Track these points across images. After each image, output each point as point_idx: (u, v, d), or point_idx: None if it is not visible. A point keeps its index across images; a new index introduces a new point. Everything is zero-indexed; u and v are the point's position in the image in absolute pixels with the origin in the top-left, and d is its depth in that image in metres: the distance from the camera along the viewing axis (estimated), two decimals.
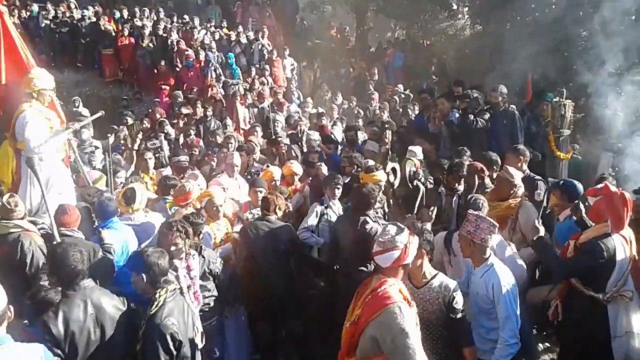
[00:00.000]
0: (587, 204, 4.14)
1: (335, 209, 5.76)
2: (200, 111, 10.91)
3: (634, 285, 4.00)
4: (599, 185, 4.24)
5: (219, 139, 8.89)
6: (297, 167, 6.84)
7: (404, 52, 16.23)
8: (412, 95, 12.41)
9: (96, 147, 7.62)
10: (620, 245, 3.95)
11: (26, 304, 3.71)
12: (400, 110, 10.96)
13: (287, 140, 8.73)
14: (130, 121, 10.62)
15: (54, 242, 4.16)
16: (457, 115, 7.74)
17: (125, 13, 15.94)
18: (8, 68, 5.76)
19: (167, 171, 7.07)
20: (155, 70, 13.80)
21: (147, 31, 14.22)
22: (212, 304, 4.66)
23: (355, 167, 6.62)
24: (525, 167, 5.89)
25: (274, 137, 8.91)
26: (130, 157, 7.67)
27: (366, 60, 16.64)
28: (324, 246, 5.57)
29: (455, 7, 17.04)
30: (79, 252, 3.44)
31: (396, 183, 6.32)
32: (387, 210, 6.06)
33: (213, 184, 6.44)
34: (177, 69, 13.59)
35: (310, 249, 5.78)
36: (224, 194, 5.84)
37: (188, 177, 6.64)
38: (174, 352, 3.39)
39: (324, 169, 6.84)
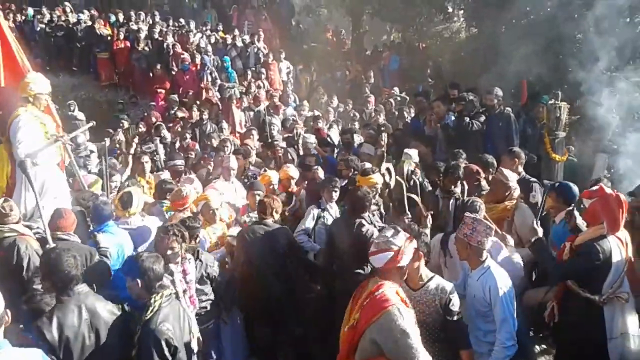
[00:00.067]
0: (582, 206, 4.15)
1: (332, 212, 5.76)
2: (196, 114, 10.90)
3: (630, 287, 4.01)
4: (594, 188, 4.25)
5: (214, 142, 8.88)
6: (293, 171, 6.84)
7: (400, 55, 16.24)
8: (408, 98, 12.42)
9: (91, 151, 7.61)
10: (616, 247, 3.96)
11: (22, 309, 3.69)
12: (396, 113, 10.97)
13: (283, 144, 8.73)
14: (126, 125, 10.61)
15: (47, 248, 4.14)
16: (453, 118, 7.75)
17: (121, 17, 15.91)
18: (4, 72, 5.75)
19: (166, 174, 7.05)
20: (151, 74, 13.80)
21: (142, 35, 14.21)
22: (208, 307, 4.66)
23: (352, 170, 6.62)
24: (521, 169, 5.91)
25: (270, 140, 8.91)
26: (125, 161, 7.65)
27: (362, 63, 16.64)
28: (320, 251, 5.57)
29: (450, 10, 17.06)
30: (73, 257, 3.43)
31: (392, 183, 6.32)
32: (383, 212, 6.06)
33: (209, 188, 6.43)
34: (173, 73, 13.56)
35: (306, 252, 5.78)
36: (221, 198, 5.83)
37: (184, 181, 6.63)
38: (169, 358, 3.37)
39: (321, 173, 6.84)
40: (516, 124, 7.42)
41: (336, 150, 8.77)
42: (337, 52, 18.16)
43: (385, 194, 6.27)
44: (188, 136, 9.56)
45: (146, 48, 14.05)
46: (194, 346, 3.69)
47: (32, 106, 5.52)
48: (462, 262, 4.01)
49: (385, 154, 7.43)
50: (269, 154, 8.27)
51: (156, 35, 14.39)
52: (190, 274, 4.41)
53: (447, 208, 5.43)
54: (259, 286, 4.94)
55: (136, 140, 8.59)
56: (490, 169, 5.78)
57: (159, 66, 13.49)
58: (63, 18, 15.52)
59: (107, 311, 3.46)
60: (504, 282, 3.65)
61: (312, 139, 8.53)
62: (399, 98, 12.78)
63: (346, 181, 6.41)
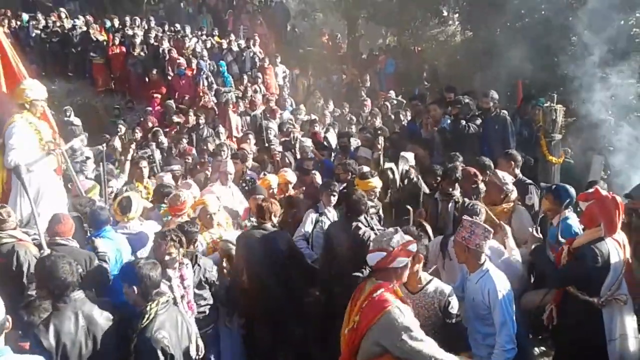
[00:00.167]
0: (578, 209, 4.16)
1: (330, 216, 5.76)
2: (192, 119, 10.90)
3: (628, 288, 4.01)
4: (590, 190, 4.26)
5: (211, 147, 8.88)
6: (290, 176, 6.84)
7: (396, 59, 16.30)
8: (404, 102, 12.45)
9: (87, 157, 7.58)
10: (614, 249, 3.97)
11: (21, 314, 3.67)
12: (392, 116, 10.99)
13: (279, 148, 8.74)
14: (123, 130, 10.60)
15: (42, 255, 4.12)
16: (449, 121, 7.77)
17: (116, 22, 15.91)
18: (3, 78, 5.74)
19: (167, 177, 7.03)
20: (147, 79, 13.79)
21: (138, 40, 14.20)
22: (207, 312, 4.64)
23: (350, 173, 6.63)
24: (517, 171, 5.92)
25: (267, 144, 8.91)
26: (122, 167, 7.63)
27: (358, 67, 16.68)
28: (318, 255, 5.57)
29: (445, 13, 17.14)
30: (68, 264, 3.41)
31: (397, 180, 6.35)
32: (382, 216, 6.06)
33: (206, 192, 6.42)
34: (169, 78, 13.58)
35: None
36: (218, 202, 5.83)
37: (181, 186, 6.62)
38: None
39: (318, 178, 6.84)
40: (512, 127, 7.44)
41: (333, 154, 8.78)
42: (333, 56, 18.20)
43: (384, 198, 6.30)
44: (185, 141, 9.56)
45: (142, 53, 14.05)
46: (193, 353, 3.67)
47: (28, 113, 5.51)
48: (461, 265, 4.02)
49: (381, 158, 7.45)
50: (266, 158, 8.27)
51: (152, 41, 14.40)
52: (187, 279, 4.40)
53: (446, 211, 5.43)
54: (259, 290, 4.93)
55: (133, 146, 8.57)
56: (488, 172, 5.78)
57: (154, 71, 13.49)
58: (58, 24, 15.48)
59: (104, 317, 3.45)
60: (502, 285, 3.65)
61: (308, 142, 8.54)
62: (395, 101, 12.81)
63: (344, 185, 6.41)
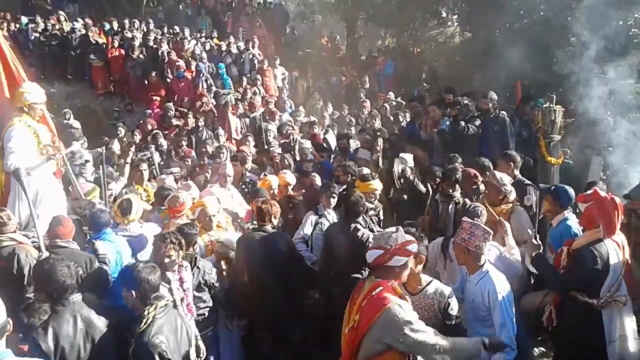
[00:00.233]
0: (577, 210, 4.16)
1: (330, 218, 5.76)
2: (191, 122, 10.89)
3: (627, 290, 4.01)
4: (588, 192, 4.26)
5: (210, 149, 8.88)
6: (290, 177, 6.83)
7: (395, 60, 16.30)
8: (403, 103, 12.45)
9: (87, 161, 7.58)
10: (613, 250, 3.97)
11: (21, 317, 3.67)
12: (391, 118, 10.99)
13: (279, 150, 8.74)
14: (123, 132, 10.61)
15: (40, 258, 4.12)
16: (448, 122, 7.77)
17: (115, 25, 15.91)
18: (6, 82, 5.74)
19: (170, 180, 7.03)
20: (146, 82, 13.79)
21: (137, 42, 14.21)
22: (206, 314, 4.64)
23: (350, 175, 6.63)
24: (517, 172, 5.92)
25: (266, 146, 8.91)
26: (122, 169, 7.63)
27: (357, 68, 16.67)
28: (317, 257, 5.57)
29: (444, 14, 17.15)
30: (67, 267, 3.41)
31: (395, 173, 6.38)
32: (382, 217, 6.06)
33: (205, 193, 6.41)
34: (168, 80, 13.56)
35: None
36: (218, 204, 5.83)
37: (181, 187, 6.61)
38: None
39: (318, 180, 6.84)
40: (511, 128, 7.44)
41: (332, 156, 8.78)
42: (332, 57, 18.20)
43: (384, 200, 6.31)
44: (184, 143, 9.56)
45: (141, 56, 14.05)
46: (193, 357, 3.66)
47: (27, 116, 5.51)
48: (461, 266, 4.01)
49: (380, 159, 7.46)
50: (265, 160, 8.27)
51: (151, 43, 14.39)
52: (187, 281, 4.40)
53: (447, 212, 5.43)
54: (259, 291, 4.92)
55: (133, 148, 8.57)
56: (487, 172, 5.79)
57: (154, 74, 13.48)
58: (57, 27, 15.51)
59: (103, 321, 3.45)
60: (502, 287, 3.65)
61: (308, 144, 8.54)
62: (394, 103, 12.81)
63: (344, 187, 6.41)
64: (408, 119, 10.10)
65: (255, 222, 5.68)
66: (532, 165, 7.04)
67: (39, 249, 4.51)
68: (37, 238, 4.55)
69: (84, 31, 14.91)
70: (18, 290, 4.20)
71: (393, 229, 3.34)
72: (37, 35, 15.01)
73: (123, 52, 14.11)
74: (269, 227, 5.12)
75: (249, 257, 4.98)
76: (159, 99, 13.03)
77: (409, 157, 6.88)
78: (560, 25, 10.14)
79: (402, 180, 6.48)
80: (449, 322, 3.57)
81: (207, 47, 15.14)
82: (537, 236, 4.45)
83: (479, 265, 3.74)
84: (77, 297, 3.43)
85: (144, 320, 3.35)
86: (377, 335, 3.06)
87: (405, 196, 6.50)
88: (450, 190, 5.52)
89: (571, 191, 4.71)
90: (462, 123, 7.53)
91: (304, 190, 6.86)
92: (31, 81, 5.89)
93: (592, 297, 3.93)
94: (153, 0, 20.46)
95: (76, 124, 11.26)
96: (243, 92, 13.13)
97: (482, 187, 5.59)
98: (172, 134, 10.72)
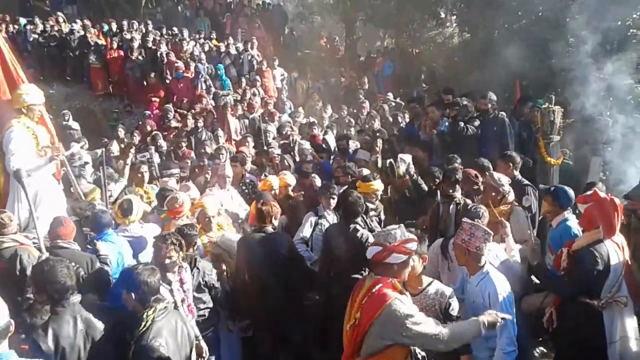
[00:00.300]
0: (577, 211, 4.16)
1: (330, 219, 5.76)
2: (191, 123, 10.89)
3: (628, 290, 4.01)
4: (588, 192, 4.26)
5: (209, 150, 8.88)
6: (290, 178, 6.83)
7: (393, 61, 16.31)
8: (402, 104, 12.46)
9: (86, 163, 7.57)
10: (613, 251, 3.97)
11: (24, 317, 3.66)
12: (390, 118, 11.00)
13: (278, 151, 8.74)
14: (122, 133, 10.60)
15: (39, 260, 4.11)
16: (447, 123, 7.77)
17: (114, 26, 15.90)
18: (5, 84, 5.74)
19: (172, 182, 7.03)
20: (145, 83, 13.76)
21: (136, 44, 14.18)
22: (207, 315, 4.63)
23: (349, 176, 6.63)
24: (516, 173, 5.92)
25: (265, 147, 8.91)
26: (122, 170, 7.62)
27: (356, 69, 16.70)
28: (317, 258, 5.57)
29: (443, 15, 17.19)
30: (66, 268, 3.41)
31: (401, 171, 6.37)
32: (383, 218, 6.06)
33: (205, 195, 6.41)
34: (167, 81, 13.55)
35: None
36: (220, 207, 5.83)
37: (180, 188, 6.61)
38: None
39: (317, 181, 6.83)
40: (511, 128, 7.44)
41: (332, 157, 8.78)
42: (331, 58, 18.22)
43: (385, 200, 6.31)
44: (183, 144, 9.55)
45: (140, 57, 14.03)
46: (193, 358, 3.65)
47: (26, 117, 5.51)
48: (461, 267, 4.01)
49: (379, 160, 7.46)
50: (264, 161, 8.27)
51: (150, 44, 14.38)
52: (187, 282, 4.39)
53: (447, 213, 5.43)
54: (259, 291, 4.92)
55: (132, 150, 8.56)
56: (487, 173, 5.79)
57: (153, 75, 13.47)
58: (56, 28, 15.48)
59: (103, 321, 3.44)
60: (503, 288, 3.65)
61: (307, 145, 8.54)
62: (393, 104, 12.83)
63: (344, 188, 6.41)
64: (407, 120, 10.11)
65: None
66: (532, 165, 7.04)
67: (39, 249, 4.52)
68: (37, 239, 4.55)
69: (82, 32, 14.89)
70: (20, 291, 4.18)
71: (395, 226, 3.34)
72: (36, 36, 14.98)
73: (122, 53, 14.08)
74: (269, 228, 5.12)
75: (249, 257, 4.98)
76: (158, 100, 13.02)
77: (408, 158, 6.88)
78: (558, 26, 10.16)
79: (406, 177, 6.48)
80: (449, 323, 3.56)
81: (206, 48, 15.14)
82: (535, 230, 4.45)
83: (479, 266, 3.73)
84: (77, 298, 3.42)
85: (143, 324, 3.34)
86: (379, 332, 3.08)
87: (408, 194, 6.50)
88: (451, 191, 5.52)
89: (571, 192, 4.71)
90: (461, 124, 7.53)
91: (303, 192, 6.85)
92: (30, 82, 5.89)
93: (592, 298, 3.93)
94: (152, 2, 20.45)
95: (75, 125, 11.25)
96: (242, 93, 13.12)
97: (482, 187, 5.60)
98: (171, 135, 10.71)
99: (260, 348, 5.18)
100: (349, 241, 4.83)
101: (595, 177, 7.01)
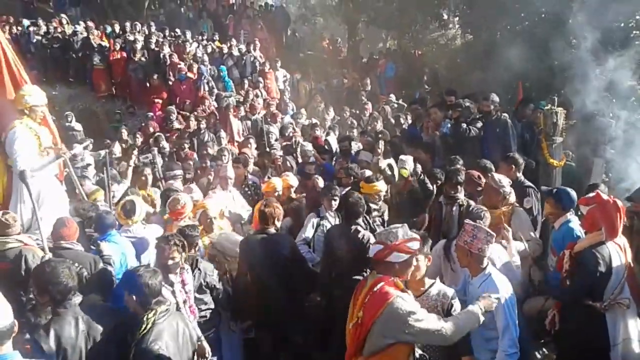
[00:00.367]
0: (579, 213, 4.15)
1: (332, 220, 5.76)
2: (193, 124, 10.90)
3: (630, 292, 4.00)
4: (590, 194, 4.25)
5: (211, 151, 8.89)
6: (292, 180, 6.83)
7: (396, 63, 16.31)
8: (405, 105, 12.46)
9: (88, 164, 7.59)
10: (616, 253, 3.96)
11: (28, 316, 3.66)
12: (393, 120, 11.00)
13: (280, 152, 8.74)
14: (125, 135, 10.62)
15: (41, 261, 4.12)
16: (449, 125, 7.77)
17: (117, 28, 15.95)
18: (4, 84, 5.76)
19: (178, 183, 7.02)
20: (148, 84, 13.80)
21: (139, 45, 14.22)
22: (208, 316, 4.63)
23: (352, 178, 6.63)
24: (519, 175, 5.91)
25: (267, 148, 8.91)
26: (125, 172, 7.64)
27: (358, 71, 16.70)
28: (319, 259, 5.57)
29: (445, 17, 17.20)
30: (68, 268, 3.42)
31: (396, 176, 6.36)
32: (386, 219, 6.05)
33: (206, 197, 6.42)
34: (170, 83, 13.58)
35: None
36: (220, 207, 5.83)
37: (183, 190, 6.62)
38: None
39: (320, 182, 6.84)
40: (513, 130, 7.43)
41: (334, 158, 8.78)
42: (333, 60, 18.24)
43: (388, 200, 6.30)
44: (186, 146, 9.57)
45: (143, 58, 14.07)
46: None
47: (28, 118, 5.52)
48: (464, 269, 4.01)
49: (380, 161, 7.46)
50: (267, 163, 8.27)
51: (152, 46, 14.42)
52: (188, 283, 4.39)
53: (450, 214, 5.43)
54: (261, 292, 4.93)
55: (135, 152, 8.57)
56: (490, 174, 5.78)
57: (155, 76, 13.51)
58: (59, 30, 15.55)
59: (104, 322, 3.44)
60: (505, 289, 3.64)
61: (309, 147, 8.54)
62: (395, 105, 12.82)
63: (347, 189, 6.41)
64: (409, 122, 10.11)
65: None
66: (534, 167, 7.03)
67: (43, 250, 4.53)
68: (40, 240, 4.56)
69: (85, 34, 14.94)
70: (25, 291, 4.17)
71: (398, 225, 3.35)
72: (39, 38, 15.03)
73: (125, 54, 14.13)
74: (271, 230, 5.12)
75: (251, 258, 4.98)
76: (160, 101, 13.04)
77: (408, 159, 6.88)
78: (561, 27, 10.15)
79: (412, 178, 6.48)
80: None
81: (209, 50, 15.17)
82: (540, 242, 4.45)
83: (482, 268, 3.72)
84: (78, 298, 3.43)
85: (143, 326, 3.34)
86: (382, 331, 3.08)
87: (409, 195, 6.50)
88: (453, 192, 5.52)
89: (573, 194, 4.69)
90: (464, 125, 7.52)
91: (305, 194, 6.86)
92: (33, 84, 5.91)
93: (594, 300, 3.92)
94: (154, 3, 20.53)
95: (78, 126, 11.29)
96: (245, 94, 13.13)
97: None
98: (173, 137, 10.73)
99: (261, 349, 5.18)
100: (350, 242, 4.83)
101: (597, 179, 6.99)
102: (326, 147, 9.41)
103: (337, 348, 3.41)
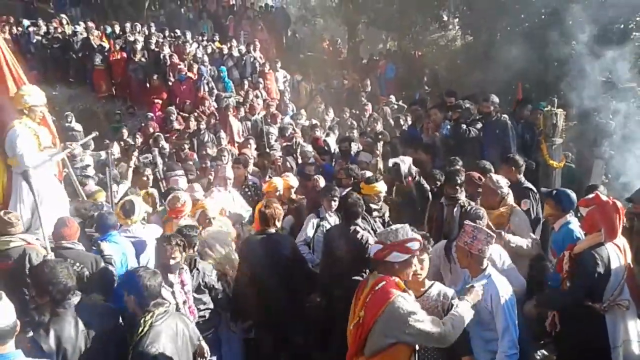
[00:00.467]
0: (579, 214, 4.14)
1: (332, 221, 5.76)
2: (193, 124, 10.90)
3: (630, 293, 4.00)
4: (590, 196, 4.25)
5: (210, 151, 8.89)
6: (292, 180, 6.83)
7: (396, 64, 16.30)
8: (405, 106, 12.45)
9: (87, 165, 7.59)
10: (615, 254, 3.96)
11: (32, 315, 3.66)
12: (391, 120, 11.00)
13: (279, 153, 8.73)
14: (126, 135, 10.62)
15: (40, 261, 4.12)
16: (449, 126, 7.77)
17: (117, 28, 15.96)
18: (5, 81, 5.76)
19: (183, 180, 7.01)
20: (148, 85, 13.80)
21: (139, 46, 14.22)
22: (207, 316, 4.63)
23: (352, 179, 6.63)
24: (519, 176, 5.91)
25: (267, 149, 8.91)
26: (125, 173, 7.63)
27: (358, 72, 16.70)
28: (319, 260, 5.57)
29: (445, 18, 17.19)
30: (66, 268, 3.43)
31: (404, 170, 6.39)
32: (387, 220, 6.05)
33: (206, 198, 6.40)
34: (170, 83, 13.58)
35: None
36: (220, 207, 5.82)
37: (186, 189, 6.61)
38: None
39: (321, 181, 6.83)
40: (513, 131, 7.43)
41: (333, 159, 8.78)
42: (333, 61, 18.25)
43: (389, 201, 6.30)
44: (186, 146, 9.57)
45: (143, 59, 14.06)
46: None
47: (27, 118, 5.53)
48: (464, 270, 4.00)
49: (379, 162, 7.47)
50: (266, 163, 8.27)
51: (153, 46, 14.41)
52: (187, 284, 4.39)
53: (452, 215, 5.43)
54: (261, 293, 4.92)
55: (136, 153, 8.57)
56: (488, 175, 5.78)
57: (155, 77, 13.50)
58: (59, 30, 15.55)
59: (104, 322, 3.45)
60: (505, 290, 3.64)
61: (309, 147, 8.54)
62: (395, 106, 12.82)
63: (347, 190, 6.40)
64: (409, 123, 10.10)
65: None
66: (534, 168, 7.03)
67: (45, 249, 4.54)
68: (42, 239, 4.58)
69: (85, 34, 14.93)
70: (29, 290, 4.20)
71: (400, 225, 3.35)
72: (39, 38, 15.03)
73: (125, 55, 14.13)
74: (272, 230, 5.11)
75: (251, 258, 4.98)
76: (160, 102, 13.04)
77: (407, 160, 6.88)
78: (561, 28, 10.14)
79: (408, 179, 6.48)
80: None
81: (209, 51, 15.17)
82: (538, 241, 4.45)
83: (482, 269, 3.72)
84: (77, 298, 3.42)
85: (140, 329, 3.32)
86: (383, 330, 3.09)
87: (409, 195, 6.51)
88: (453, 193, 5.52)
89: (573, 195, 4.69)
90: (464, 126, 7.53)
91: (304, 197, 6.85)
92: (32, 84, 5.91)
93: (594, 301, 3.92)
94: (155, 4, 20.54)
95: (78, 126, 11.27)
96: (244, 95, 13.13)
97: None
98: (173, 137, 10.72)
99: (261, 349, 5.17)
100: (349, 242, 4.84)
101: (597, 180, 7.00)
102: (325, 147, 9.41)
103: (337, 348, 3.41)
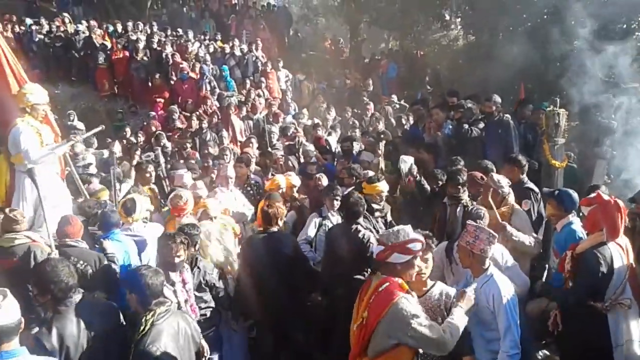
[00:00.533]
0: (581, 214, 4.14)
1: (334, 220, 5.76)
2: (195, 123, 10.91)
3: (632, 293, 3.99)
4: (591, 195, 4.25)
5: (212, 150, 8.89)
6: (295, 179, 6.83)
7: (398, 63, 16.29)
8: (407, 106, 12.44)
9: (89, 163, 7.60)
10: (617, 253, 3.96)
11: (38, 311, 3.66)
12: (392, 120, 10.99)
13: (281, 152, 8.74)
14: (129, 133, 10.63)
15: (43, 260, 4.12)
16: (451, 126, 7.76)
17: (119, 27, 15.97)
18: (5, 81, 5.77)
19: (188, 176, 7.01)
20: (150, 84, 13.80)
21: (141, 45, 14.23)
22: (208, 314, 4.64)
23: (354, 178, 6.63)
24: (522, 176, 5.90)
25: (269, 148, 8.92)
26: (128, 172, 7.64)
27: (360, 71, 16.70)
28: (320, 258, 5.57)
29: (448, 17, 17.17)
30: (67, 267, 3.43)
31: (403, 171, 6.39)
32: (390, 219, 6.06)
33: (208, 197, 6.41)
34: (172, 82, 13.58)
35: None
36: (222, 206, 5.83)
37: (189, 188, 6.61)
38: None
39: (324, 180, 6.83)
40: (515, 131, 7.42)
41: (335, 158, 8.78)
42: (335, 60, 18.24)
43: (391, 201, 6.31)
44: (188, 145, 9.57)
45: (145, 58, 14.06)
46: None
47: (30, 116, 5.54)
48: (465, 269, 4.00)
49: (381, 162, 7.46)
50: (268, 162, 8.27)
51: (155, 45, 14.42)
52: (189, 282, 4.40)
53: (455, 215, 5.43)
54: (262, 291, 4.93)
55: (138, 152, 8.58)
56: (489, 174, 5.77)
57: (157, 76, 13.50)
58: (62, 29, 15.58)
59: (106, 320, 3.45)
60: (507, 290, 3.64)
61: (311, 147, 8.54)
62: (397, 106, 12.82)
63: (349, 189, 6.40)
64: (411, 122, 10.09)
65: None
66: (537, 168, 7.02)
67: (49, 247, 4.55)
68: (47, 236, 4.58)
69: (88, 33, 14.94)
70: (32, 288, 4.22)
71: (403, 226, 3.36)
72: (42, 37, 15.05)
73: (127, 54, 14.14)
74: (274, 229, 5.12)
75: (253, 256, 4.99)
76: (162, 100, 13.05)
77: (409, 160, 6.87)
78: (563, 28, 10.13)
79: (409, 179, 6.48)
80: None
81: (211, 50, 15.16)
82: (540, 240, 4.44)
83: (484, 268, 3.72)
84: (79, 296, 3.43)
85: (142, 328, 3.32)
86: (386, 331, 3.10)
87: (411, 194, 6.50)
88: (456, 193, 5.52)
89: (575, 195, 4.69)
90: (466, 126, 7.52)
91: (306, 196, 6.86)
92: (35, 83, 5.92)
93: (596, 300, 3.92)
94: (157, 3, 20.55)
95: (80, 125, 11.27)
96: (246, 94, 13.14)
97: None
98: (176, 136, 10.73)
99: (262, 348, 5.18)
100: (350, 242, 4.85)
101: (599, 180, 6.98)
102: (327, 147, 9.42)
103: (338, 347, 3.42)
